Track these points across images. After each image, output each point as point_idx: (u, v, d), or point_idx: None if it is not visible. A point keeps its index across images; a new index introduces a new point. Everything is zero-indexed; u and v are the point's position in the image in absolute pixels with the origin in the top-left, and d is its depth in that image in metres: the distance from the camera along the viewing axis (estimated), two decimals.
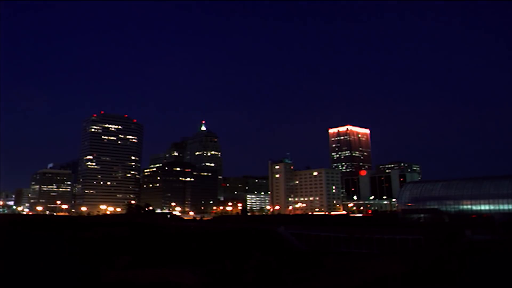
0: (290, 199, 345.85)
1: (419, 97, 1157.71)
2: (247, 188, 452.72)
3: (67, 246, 73.06)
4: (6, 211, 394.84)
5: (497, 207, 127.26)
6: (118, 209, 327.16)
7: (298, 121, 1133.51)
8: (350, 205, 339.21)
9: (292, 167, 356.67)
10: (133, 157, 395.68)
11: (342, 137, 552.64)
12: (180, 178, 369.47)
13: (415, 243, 77.21)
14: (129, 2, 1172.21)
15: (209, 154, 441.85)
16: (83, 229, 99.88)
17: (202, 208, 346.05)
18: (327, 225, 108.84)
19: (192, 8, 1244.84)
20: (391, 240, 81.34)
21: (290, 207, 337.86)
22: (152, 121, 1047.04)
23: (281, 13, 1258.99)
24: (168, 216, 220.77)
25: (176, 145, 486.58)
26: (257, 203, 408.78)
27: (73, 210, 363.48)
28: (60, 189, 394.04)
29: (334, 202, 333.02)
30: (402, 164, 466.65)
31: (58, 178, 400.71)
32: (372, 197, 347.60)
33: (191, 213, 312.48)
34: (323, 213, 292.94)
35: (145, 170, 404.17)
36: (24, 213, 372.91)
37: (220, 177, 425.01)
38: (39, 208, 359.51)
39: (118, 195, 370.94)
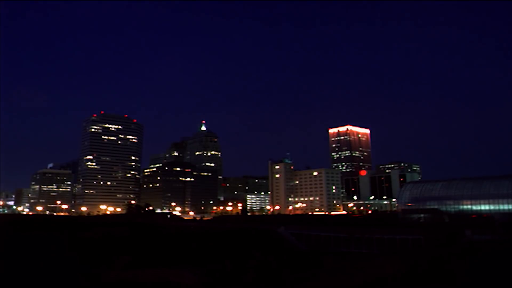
0: (290, 199, 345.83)
1: (419, 97, 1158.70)
2: (247, 188, 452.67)
3: (67, 246, 73.03)
4: (6, 211, 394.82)
5: (497, 207, 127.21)
6: (118, 209, 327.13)
7: (298, 121, 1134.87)
8: (350, 205, 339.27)
9: (292, 167, 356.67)
10: (133, 157, 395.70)
11: (342, 137, 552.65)
12: (180, 178, 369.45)
13: (415, 243, 77.20)
14: (129, 3, 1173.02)
15: (209, 154, 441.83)
16: (83, 229, 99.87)
17: (202, 208, 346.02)
18: (327, 225, 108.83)
19: (192, 9, 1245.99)
20: (391, 240, 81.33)
21: (290, 207, 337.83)
22: (152, 121, 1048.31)
23: (280, 13, 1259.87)
24: (168, 216, 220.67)
25: (176, 145, 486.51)
26: (257, 203, 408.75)
27: (73, 210, 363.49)
28: (60, 189, 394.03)
29: (334, 202, 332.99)
30: (402, 164, 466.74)
31: (58, 178, 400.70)
32: (372, 197, 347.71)
33: (191, 213, 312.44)
34: (323, 213, 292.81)
35: (145, 170, 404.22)
36: (24, 213, 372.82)
37: (220, 177, 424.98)
38: (39, 208, 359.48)
39: (118, 195, 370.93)
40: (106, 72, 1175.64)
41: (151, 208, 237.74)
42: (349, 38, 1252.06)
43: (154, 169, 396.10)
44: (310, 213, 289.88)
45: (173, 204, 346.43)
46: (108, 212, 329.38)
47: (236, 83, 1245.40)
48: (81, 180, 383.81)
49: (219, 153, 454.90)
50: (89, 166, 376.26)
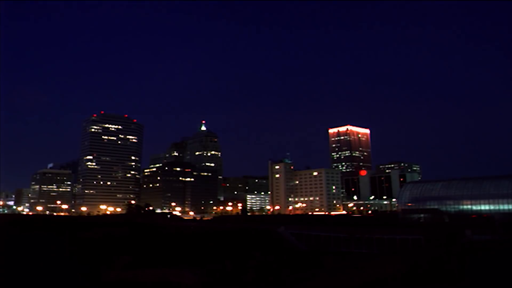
0: (290, 199, 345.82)
1: (419, 97, 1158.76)
2: (247, 188, 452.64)
3: (67, 246, 73.05)
4: (6, 211, 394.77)
5: (497, 207, 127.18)
6: (118, 209, 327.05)
7: (298, 121, 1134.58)
8: (350, 205, 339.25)
9: (292, 167, 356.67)
10: (133, 157, 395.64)
11: (342, 137, 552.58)
12: (180, 178, 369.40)
13: (415, 243, 77.12)
14: (129, 3, 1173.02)
15: (209, 154, 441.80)
16: (83, 229, 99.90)
17: (202, 208, 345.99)
18: (327, 225, 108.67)
19: (192, 9, 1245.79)
20: (391, 240, 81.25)
21: (290, 207, 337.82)
22: (152, 121, 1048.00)
23: (280, 14, 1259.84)
24: (168, 216, 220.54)
25: (176, 145, 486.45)
26: (257, 203, 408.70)
27: (73, 210, 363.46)
28: (60, 189, 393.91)
29: (334, 202, 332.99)
30: (402, 164, 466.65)
31: (58, 178, 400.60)
32: (372, 197, 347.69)
33: (191, 213, 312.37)
34: (323, 213, 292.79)
35: (145, 170, 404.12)
36: (24, 213, 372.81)
37: (220, 177, 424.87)
38: (39, 208, 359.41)
39: (118, 195, 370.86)
40: (106, 72, 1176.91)
41: (151, 208, 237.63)
42: (349, 38, 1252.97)
43: (154, 169, 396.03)
44: (310, 213, 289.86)
45: (173, 204, 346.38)
46: (108, 212, 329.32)
47: (236, 83, 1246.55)
48: (81, 180, 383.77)
49: (219, 153, 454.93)
50: (89, 166, 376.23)
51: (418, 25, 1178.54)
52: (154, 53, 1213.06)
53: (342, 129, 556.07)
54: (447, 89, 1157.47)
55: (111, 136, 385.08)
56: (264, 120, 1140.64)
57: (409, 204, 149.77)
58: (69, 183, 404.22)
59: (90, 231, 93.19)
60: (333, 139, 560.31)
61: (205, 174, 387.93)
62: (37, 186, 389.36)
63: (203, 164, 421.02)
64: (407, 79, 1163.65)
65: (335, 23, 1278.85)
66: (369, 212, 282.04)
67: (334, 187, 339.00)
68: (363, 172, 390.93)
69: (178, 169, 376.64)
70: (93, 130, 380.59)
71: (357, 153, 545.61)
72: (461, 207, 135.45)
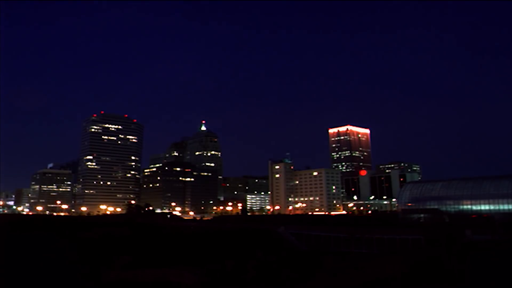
0: (290, 199, 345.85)
1: (419, 97, 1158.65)
2: (247, 188, 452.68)
3: (67, 246, 73.07)
4: (6, 211, 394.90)
5: (497, 207, 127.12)
6: (118, 209, 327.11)
7: (298, 121, 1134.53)
8: (350, 205, 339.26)
9: (292, 167, 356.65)
10: (133, 157, 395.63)
11: (342, 137, 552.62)
12: (180, 178, 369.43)
13: (415, 243, 77.13)
14: (129, 3, 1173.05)
15: (209, 154, 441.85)
16: (83, 229, 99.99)
17: (202, 208, 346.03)
18: (327, 225, 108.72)
19: (192, 10, 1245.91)
20: (391, 240, 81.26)
21: (290, 207, 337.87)
22: (152, 121, 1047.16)
23: (280, 14, 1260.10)
24: (168, 216, 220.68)
25: (176, 145, 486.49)
26: (257, 203, 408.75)
27: (73, 210, 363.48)
28: (60, 189, 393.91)
29: (334, 202, 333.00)
30: (402, 164, 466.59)
31: (58, 178, 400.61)
32: (372, 197, 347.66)
33: (191, 213, 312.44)
34: (323, 213, 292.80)
35: (145, 170, 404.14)
36: (24, 213, 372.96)
37: (220, 177, 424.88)
38: (39, 208, 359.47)
39: (118, 195, 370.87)
40: (106, 72, 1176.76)
41: (151, 208, 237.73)
42: (349, 39, 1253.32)
43: (154, 169, 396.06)
44: (310, 213, 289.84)
45: (173, 204, 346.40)
46: (108, 212, 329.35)
47: (236, 83, 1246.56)
48: (81, 180, 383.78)
49: (219, 153, 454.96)
50: (89, 166, 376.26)
51: (418, 26, 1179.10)
52: (154, 53, 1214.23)
53: (342, 129, 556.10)
54: (447, 89, 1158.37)
55: (111, 136, 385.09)
56: (264, 120, 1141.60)
57: (409, 204, 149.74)
58: (69, 183, 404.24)
59: (90, 231, 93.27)
60: (333, 139, 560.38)
61: (205, 174, 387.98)
62: (37, 186, 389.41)
63: (203, 164, 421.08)
64: (407, 79, 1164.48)
65: (336, 24, 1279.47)
66: (369, 212, 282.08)
67: (334, 187, 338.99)
68: (363, 172, 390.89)
69: (178, 169, 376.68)
70: (93, 130, 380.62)
71: (357, 153, 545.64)
72: (461, 207, 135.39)
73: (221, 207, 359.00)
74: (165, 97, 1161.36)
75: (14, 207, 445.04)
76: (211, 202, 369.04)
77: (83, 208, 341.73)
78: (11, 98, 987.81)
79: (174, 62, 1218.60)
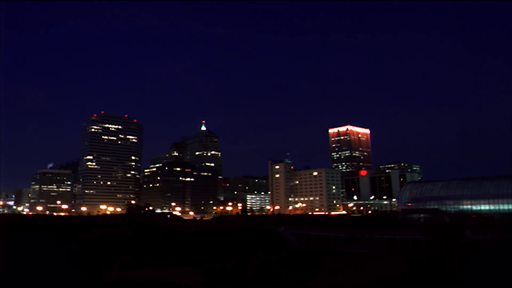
0: (290, 199, 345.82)
1: (419, 97, 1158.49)
2: (247, 188, 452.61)
3: (67, 246, 73.07)
4: (6, 211, 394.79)
5: (497, 207, 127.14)
6: (118, 209, 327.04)
7: (298, 121, 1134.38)
8: (350, 205, 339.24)
9: (292, 167, 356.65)
10: (133, 157, 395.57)
11: (342, 137, 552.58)
12: (180, 178, 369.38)
13: (415, 243, 77.08)
14: (129, 3, 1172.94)
15: (209, 154, 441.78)
16: (83, 229, 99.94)
17: (202, 208, 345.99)
18: (327, 225, 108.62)
19: (192, 10, 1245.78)
20: (391, 240, 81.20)
21: (290, 207, 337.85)
22: (152, 121, 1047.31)
23: (280, 14, 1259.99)
24: (168, 216, 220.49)
25: (176, 145, 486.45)
26: (257, 203, 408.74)
27: (73, 210, 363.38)
28: (60, 189, 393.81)
29: (334, 202, 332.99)
30: (402, 164, 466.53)
31: (58, 178, 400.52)
32: (372, 197, 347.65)
33: (191, 213, 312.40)
34: (323, 213, 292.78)
35: (145, 170, 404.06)
36: (24, 213, 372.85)
37: (220, 177, 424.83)
38: (39, 208, 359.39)
39: (118, 195, 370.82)
40: (106, 72, 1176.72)
41: (151, 208, 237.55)
42: (349, 39, 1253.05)
43: (154, 169, 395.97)
44: (310, 213, 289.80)
45: (173, 204, 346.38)
46: (108, 212, 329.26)
47: (236, 83, 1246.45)
48: (81, 180, 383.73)
49: (219, 153, 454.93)
50: (89, 166, 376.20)
51: (418, 27, 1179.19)
52: (154, 53, 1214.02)
53: (342, 129, 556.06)
54: (447, 89, 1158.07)
55: (111, 136, 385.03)
56: (264, 120, 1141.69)
57: (409, 204, 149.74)
58: (69, 183, 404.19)
59: (90, 231, 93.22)
60: (333, 139, 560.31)
61: (205, 174, 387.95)
62: (37, 186, 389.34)
63: (203, 164, 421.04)
64: (407, 79, 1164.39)
65: (336, 24, 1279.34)
66: (369, 212, 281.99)
67: (334, 187, 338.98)
68: (363, 172, 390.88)
69: (178, 169, 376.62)
70: (93, 130, 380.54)
71: (357, 153, 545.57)
72: (461, 207, 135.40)
73: (221, 207, 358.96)
74: (165, 97, 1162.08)
75: (14, 207, 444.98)
76: (211, 202, 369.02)
77: (83, 208, 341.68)
78: (11, 98, 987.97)
79: (174, 62, 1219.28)
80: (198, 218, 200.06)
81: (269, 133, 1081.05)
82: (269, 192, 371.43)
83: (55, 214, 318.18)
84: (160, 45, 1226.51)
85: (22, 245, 72.18)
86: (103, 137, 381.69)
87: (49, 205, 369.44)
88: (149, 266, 58.26)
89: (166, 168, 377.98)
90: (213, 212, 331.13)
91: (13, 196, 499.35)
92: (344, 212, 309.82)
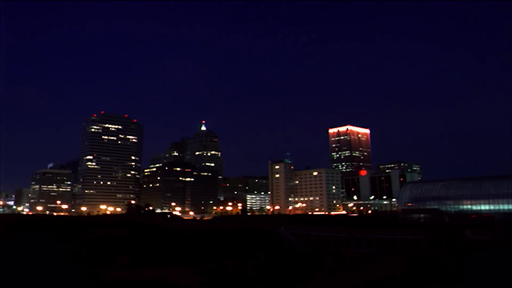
0: (290, 199, 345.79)
1: (419, 97, 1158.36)
2: (247, 188, 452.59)
3: (67, 247, 73.04)
4: (6, 211, 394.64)
5: (497, 207, 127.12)
6: (118, 209, 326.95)
7: (298, 121, 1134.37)
8: (350, 205, 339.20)
9: (292, 167, 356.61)
10: (133, 157, 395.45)
11: (342, 137, 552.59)
12: (180, 178, 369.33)
13: (415, 243, 77.12)
14: (130, 2, 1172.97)
15: (209, 154, 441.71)
16: (83, 229, 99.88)
17: (202, 208, 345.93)
18: (327, 225, 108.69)
19: (193, 10, 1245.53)
20: (391, 240, 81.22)
21: (290, 207, 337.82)
22: (152, 121, 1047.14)
23: (280, 14, 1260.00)
24: (168, 216, 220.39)
25: (176, 145, 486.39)
26: (257, 203, 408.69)
27: (73, 210, 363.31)
28: (60, 189, 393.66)
29: (334, 202, 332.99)
30: (402, 164, 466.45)
31: (58, 178, 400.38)
32: (372, 197, 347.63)
33: (191, 213, 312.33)
34: (323, 213, 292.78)
35: (145, 170, 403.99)
36: (24, 213, 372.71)
37: (220, 177, 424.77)
38: (39, 208, 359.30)
39: (118, 195, 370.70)
40: (106, 72, 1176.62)
41: (151, 208, 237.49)
42: (350, 38, 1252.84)
43: (154, 169, 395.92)
44: (310, 213, 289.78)
45: (173, 204, 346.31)
46: (108, 212, 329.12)
47: (236, 83, 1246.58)
48: (81, 180, 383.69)
49: (219, 153, 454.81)
50: (89, 166, 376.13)
51: (420, 26, 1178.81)
52: (154, 53, 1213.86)
53: (342, 129, 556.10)
54: (447, 89, 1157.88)
55: (111, 136, 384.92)
56: (264, 120, 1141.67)
57: (409, 204, 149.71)
58: (69, 183, 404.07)
59: (90, 231, 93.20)
60: (333, 139, 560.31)
61: (205, 174, 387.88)
62: (37, 186, 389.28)
63: (203, 164, 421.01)
64: (407, 79, 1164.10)
65: (336, 24, 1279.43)
66: (369, 212, 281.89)
67: (334, 187, 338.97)
68: (363, 172, 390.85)
69: (178, 169, 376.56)
70: (93, 130, 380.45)
71: (357, 153, 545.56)
72: (461, 207, 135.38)
73: (221, 207, 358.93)
74: (165, 97, 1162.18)
75: (14, 207, 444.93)
76: (211, 202, 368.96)
77: (83, 208, 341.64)
78: (11, 98, 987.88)
79: (174, 63, 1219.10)
80: (198, 218, 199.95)
81: (269, 133, 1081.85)
82: (269, 192, 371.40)
83: (55, 214, 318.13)
84: (160, 45, 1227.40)
85: (22, 245, 72.14)
86: (103, 137, 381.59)
87: (49, 205, 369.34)
88: (149, 266, 58.27)
89: (166, 168, 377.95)
90: (213, 212, 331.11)
91: (13, 196, 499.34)
92: (344, 212, 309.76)
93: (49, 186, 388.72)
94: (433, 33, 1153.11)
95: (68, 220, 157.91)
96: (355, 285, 42.03)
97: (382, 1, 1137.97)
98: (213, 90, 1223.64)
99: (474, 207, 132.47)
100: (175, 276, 51.59)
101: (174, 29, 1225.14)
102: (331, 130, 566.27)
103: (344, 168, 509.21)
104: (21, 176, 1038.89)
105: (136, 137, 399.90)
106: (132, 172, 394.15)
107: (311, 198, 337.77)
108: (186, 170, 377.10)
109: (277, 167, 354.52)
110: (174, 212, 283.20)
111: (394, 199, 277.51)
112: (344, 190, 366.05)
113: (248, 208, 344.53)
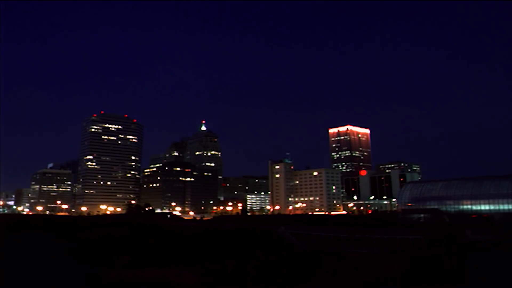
0: (290, 199, 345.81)
1: (419, 96, 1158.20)
2: (247, 188, 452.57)
3: (67, 246, 73.07)
4: (6, 211, 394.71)
5: (497, 207, 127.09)
6: (118, 209, 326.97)
7: (298, 121, 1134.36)
8: (350, 205, 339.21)
9: (292, 167, 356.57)
10: (133, 157, 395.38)
11: (342, 137, 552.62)
12: (180, 178, 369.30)
13: (415, 243, 77.12)
14: (129, 2, 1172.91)
15: (209, 154, 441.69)
16: (83, 229, 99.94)
17: (202, 208, 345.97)
18: (327, 225, 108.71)
19: (193, 10, 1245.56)
20: (391, 240, 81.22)
21: (290, 207, 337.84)
22: (152, 121, 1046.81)
23: (281, 14, 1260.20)
24: (168, 216, 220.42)
25: (176, 145, 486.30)
26: (257, 203, 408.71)
27: (73, 210, 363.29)
28: (60, 189, 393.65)
29: (334, 202, 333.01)
30: (402, 164, 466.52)
31: (58, 178, 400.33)
32: (372, 197, 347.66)
33: (191, 213, 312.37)
34: (323, 213, 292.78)
35: (145, 170, 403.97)
36: (24, 213, 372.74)
37: (220, 177, 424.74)
38: (39, 208, 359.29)
39: (118, 195, 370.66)
40: (106, 72, 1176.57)
41: (151, 208, 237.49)
42: (350, 38, 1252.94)
43: (154, 169, 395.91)
44: (310, 213, 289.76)
45: (173, 204, 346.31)
46: (108, 212, 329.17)
47: (236, 83, 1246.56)
48: (81, 180, 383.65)
49: (219, 153, 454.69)
50: (89, 166, 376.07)
51: (420, 26, 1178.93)
52: (154, 53, 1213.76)
53: (342, 129, 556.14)
54: (447, 89, 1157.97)
55: (111, 136, 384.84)
56: (264, 120, 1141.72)
57: (409, 204, 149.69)
58: (69, 183, 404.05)
59: (90, 231, 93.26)
60: (333, 139, 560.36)
61: (205, 174, 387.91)
62: (37, 186, 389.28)
63: (203, 164, 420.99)
64: (407, 79, 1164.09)
65: (336, 24, 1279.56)
66: (369, 212, 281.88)
67: (334, 187, 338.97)
68: (363, 172, 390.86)
69: (178, 169, 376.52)
70: (93, 130, 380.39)
71: (357, 153, 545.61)
72: (461, 207, 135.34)
73: (221, 207, 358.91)
74: (165, 97, 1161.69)
75: (14, 207, 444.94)
76: (211, 202, 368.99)
77: (83, 208, 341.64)
78: (11, 98, 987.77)
79: (174, 63, 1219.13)
80: (198, 218, 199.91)
81: (269, 133, 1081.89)
82: (269, 192, 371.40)
83: (55, 214, 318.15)
84: (160, 46, 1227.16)
85: (22, 245, 72.19)
86: (103, 137, 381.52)
87: (49, 205, 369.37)
88: (149, 266, 58.28)
89: (166, 168, 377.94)
90: (213, 212, 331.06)
91: (13, 196, 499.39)
92: (344, 212, 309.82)
93: (49, 186, 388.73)
94: (433, 33, 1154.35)
95: (68, 220, 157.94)
96: (355, 285, 42.03)
97: (382, 1, 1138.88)
98: (213, 90, 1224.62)
99: (474, 207, 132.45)
100: (175, 276, 51.61)
101: (174, 30, 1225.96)
102: (331, 130, 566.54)
103: (344, 168, 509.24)
104: (21, 176, 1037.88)
105: (136, 137, 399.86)
106: (132, 172, 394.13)
107: (311, 198, 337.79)
108: (186, 170, 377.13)
109: (277, 167, 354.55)
110: (174, 212, 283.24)
111: (394, 199, 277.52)
112: (344, 190, 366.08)
113: (248, 208, 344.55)
